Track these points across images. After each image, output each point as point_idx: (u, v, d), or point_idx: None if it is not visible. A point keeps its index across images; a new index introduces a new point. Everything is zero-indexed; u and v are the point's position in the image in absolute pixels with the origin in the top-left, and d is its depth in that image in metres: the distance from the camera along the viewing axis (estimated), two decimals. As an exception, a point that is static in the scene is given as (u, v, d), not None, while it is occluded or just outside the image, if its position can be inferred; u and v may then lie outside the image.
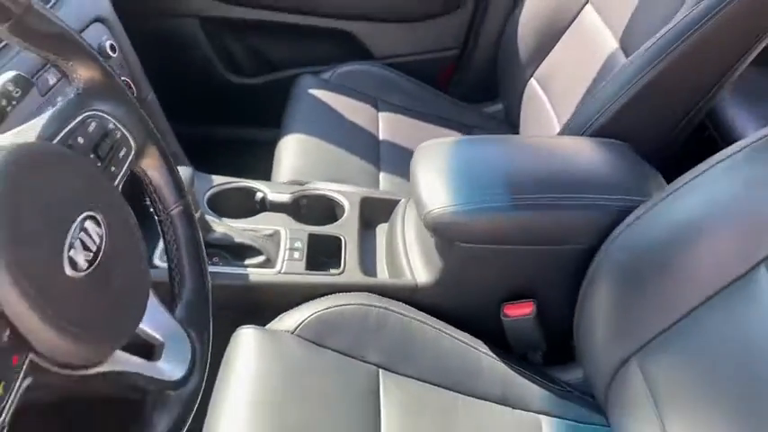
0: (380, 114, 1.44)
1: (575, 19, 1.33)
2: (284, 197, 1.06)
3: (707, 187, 0.77)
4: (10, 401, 0.41)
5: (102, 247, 0.50)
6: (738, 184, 0.74)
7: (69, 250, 0.47)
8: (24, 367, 0.43)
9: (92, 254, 0.49)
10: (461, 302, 0.95)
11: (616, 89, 1.03)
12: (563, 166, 0.93)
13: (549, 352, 0.98)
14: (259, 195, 1.07)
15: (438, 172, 0.92)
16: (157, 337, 0.58)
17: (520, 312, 0.93)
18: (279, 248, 0.96)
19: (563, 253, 0.90)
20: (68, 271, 0.47)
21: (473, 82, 1.64)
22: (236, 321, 0.88)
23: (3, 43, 0.77)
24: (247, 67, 1.68)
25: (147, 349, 0.57)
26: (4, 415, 0.41)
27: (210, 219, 0.96)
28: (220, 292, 0.88)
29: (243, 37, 1.65)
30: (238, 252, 0.95)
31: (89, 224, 0.50)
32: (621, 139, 1.02)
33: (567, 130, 1.08)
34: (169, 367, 0.57)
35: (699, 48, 0.97)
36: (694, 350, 0.75)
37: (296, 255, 0.95)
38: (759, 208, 0.72)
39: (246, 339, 0.86)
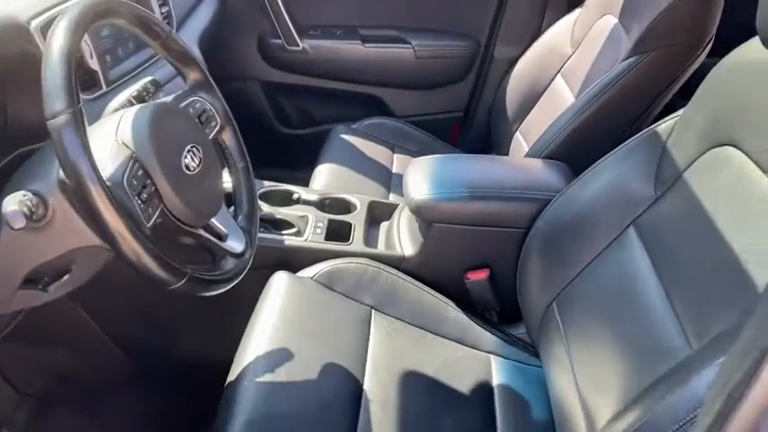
0: (395, 155, 1.82)
1: (548, 86, 1.72)
2: (314, 197, 1.44)
3: (599, 175, 1.11)
4: (153, 219, 0.78)
5: (200, 164, 0.88)
6: (617, 173, 1.08)
7: (185, 159, 0.85)
8: (158, 210, 0.80)
9: (195, 165, 0.87)
10: (437, 269, 1.29)
11: (562, 124, 1.40)
12: (510, 174, 1.29)
13: (501, 312, 1.30)
14: (296, 195, 1.44)
15: (422, 173, 1.29)
16: (224, 230, 0.94)
17: (478, 277, 1.26)
18: (307, 226, 1.33)
19: (508, 234, 1.24)
20: (184, 169, 0.84)
21: (474, 137, 2.03)
22: (274, 272, 1.23)
23: (157, 57, 1.21)
24: (296, 121, 2.11)
25: (219, 236, 0.93)
26: (152, 221, 0.77)
27: (260, 203, 1.33)
28: (265, 251, 1.25)
29: (294, 97, 2.09)
30: (278, 225, 1.32)
31: (194, 150, 0.87)
32: (567, 160, 1.37)
33: (528, 154, 1.45)
34: (232, 245, 0.93)
35: (620, 93, 1.34)
36: (589, 291, 1.06)
37: (318, 231, 1.32)
38: (627, 188, 1.05)
39: (279, 281, 1.20)
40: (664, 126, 1.04)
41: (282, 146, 2.10)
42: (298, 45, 1.97)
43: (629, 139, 1.09)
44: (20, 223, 0.73)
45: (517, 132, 1.77)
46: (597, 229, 1.08)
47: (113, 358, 1.44)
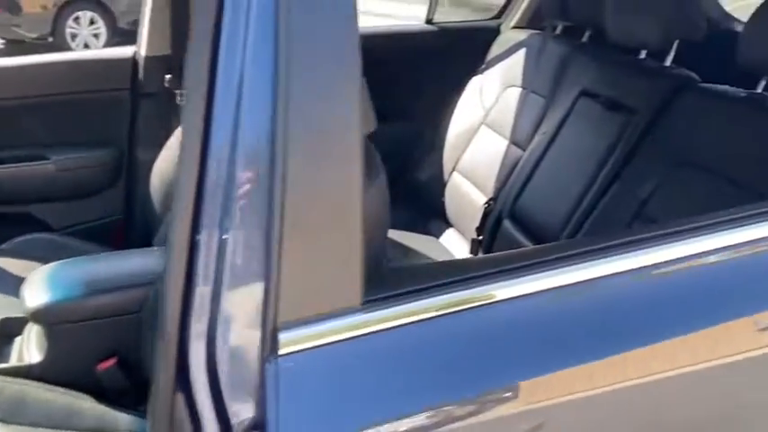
0: (50, 269, 1.85)
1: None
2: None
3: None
4: None
5: None
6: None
7: None
8: None
9: None
10: (66, 368, 1.35)
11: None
12: (117, 266, 1.42)
13: (138, 395, 1.39)
14: None
15: (38, 281, 1.35)
16: None
17: (108, 365, 1.35)
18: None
19: (126, 320, 1.35)
20: None
21: (139, 236, 2.12)
22: None
23: None
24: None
25: None
26: None
27: None
28: None
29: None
30: None
31: None
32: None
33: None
34: None
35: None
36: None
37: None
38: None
39: None
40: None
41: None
42: None
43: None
44: None
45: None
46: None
47: None
